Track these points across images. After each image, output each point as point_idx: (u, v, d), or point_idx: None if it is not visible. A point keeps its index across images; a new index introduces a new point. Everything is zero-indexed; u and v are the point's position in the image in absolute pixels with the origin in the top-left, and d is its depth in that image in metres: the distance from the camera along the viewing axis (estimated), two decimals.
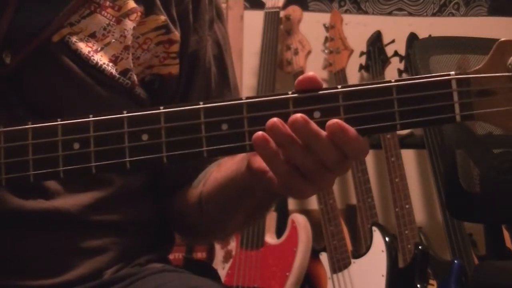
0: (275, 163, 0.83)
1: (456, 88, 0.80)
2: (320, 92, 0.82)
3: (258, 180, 0.90)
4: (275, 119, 0.81)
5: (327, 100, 0.82)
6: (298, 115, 0.81)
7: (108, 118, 0.86)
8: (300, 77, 0.84)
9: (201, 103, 0.84)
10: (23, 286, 1.00)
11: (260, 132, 0.82)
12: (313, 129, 0.81)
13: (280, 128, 0.81)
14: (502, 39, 0.81)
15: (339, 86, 0.82)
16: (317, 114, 0.82)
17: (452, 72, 0.81)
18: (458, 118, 0.80)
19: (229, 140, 0.84)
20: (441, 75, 0.81)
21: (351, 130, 0.81)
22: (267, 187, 0.88)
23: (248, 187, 0.95)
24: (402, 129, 0.82)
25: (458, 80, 0.80)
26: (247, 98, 0.83)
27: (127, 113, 0.86)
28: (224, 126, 0.83)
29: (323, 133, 0.81)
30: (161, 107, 0.85)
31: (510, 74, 0.80)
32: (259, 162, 0.88)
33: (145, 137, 0.85)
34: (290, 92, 0.83)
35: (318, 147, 0.82)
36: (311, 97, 0.82)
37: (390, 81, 0.81)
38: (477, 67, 0.81)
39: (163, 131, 0.84)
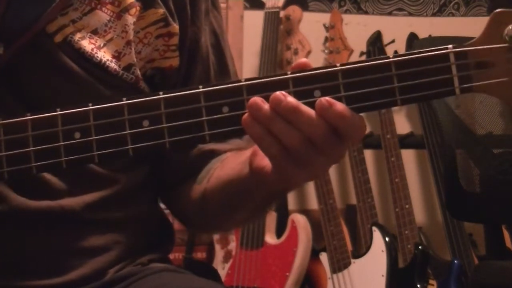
0: (265, 143, 0.82)
1: (455, 61, 0.80)
2: (320, 71, 0.82)
3: (259, 181, 0.89)
4: (255, 98, 0.81)
5: (326, 78, 0.82)
6: (278, 91, 0.81)
7: (108, 106, 0.85)
8: (293, 64, 0.83)
9: (200, 87, 0.83)
10: (25, 287, 1.00)
11: (246, 113, 0.81)
12: (291, 102, 0.80)
13: (259, 105, 0.80)
14: (498, 9, 0.80)
15: (338, 64, 0.82)
16: (317, 93, 0.81)
17: (450, 46, 0.81)
18: (457, 91, 0.80)
19: (231, 123, 0.83)
20: (439, 48, 0.81)
21: (339, 104, 0.80)
22: (263, 181, 0.88)
23: (249, 189, 0.95)
24: (402, 104, 0.81)
25: (456, 53, 0.80)
26: (247, 80, 0.83)
27: (126, 100, 0.85)
28: (225, 109, 0.83)
29: (304, 107, 0.80)
30: (161, 93, 0.84)
31: (506, 45, 0.80)
32: (257, 160, 0.88)
33: (146, 123, 0.84)
34: (289, 72, 0.82)
35: (301, 122, 0.80)
36: (310, 77, 0.82)
37: (388, 57, 0.81)
38: (473, 40, 0.81)
39: (163, 117, 0.83)
